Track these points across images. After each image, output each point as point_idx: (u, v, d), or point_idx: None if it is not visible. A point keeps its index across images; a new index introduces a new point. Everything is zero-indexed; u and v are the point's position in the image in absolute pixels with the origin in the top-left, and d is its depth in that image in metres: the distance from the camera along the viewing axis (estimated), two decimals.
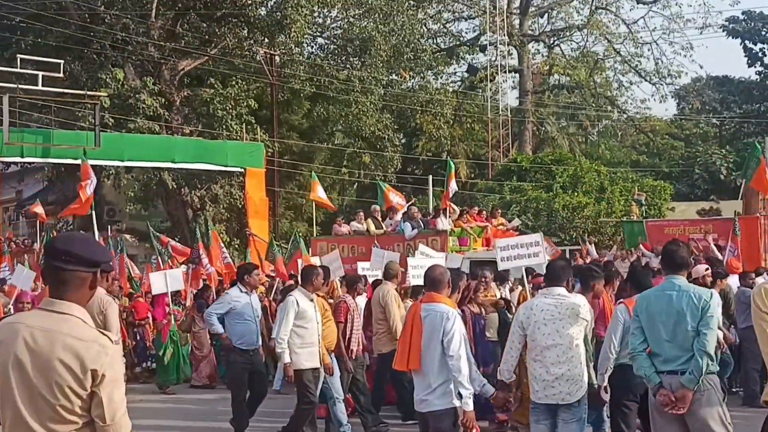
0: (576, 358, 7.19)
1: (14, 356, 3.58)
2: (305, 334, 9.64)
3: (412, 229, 19.59)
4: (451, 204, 20.56)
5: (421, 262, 12.99)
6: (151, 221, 33.18)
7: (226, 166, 28.36)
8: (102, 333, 3.71)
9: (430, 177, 32.61)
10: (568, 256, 22.06)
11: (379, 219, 20.90)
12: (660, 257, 7.17)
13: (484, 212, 22.17)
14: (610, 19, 48.63)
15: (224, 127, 30.59)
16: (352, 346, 10.74)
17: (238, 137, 29.76)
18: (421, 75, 39.71)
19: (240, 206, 30.26)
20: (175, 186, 30.92)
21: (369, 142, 36.46)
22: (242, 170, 28.29)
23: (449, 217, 19.70)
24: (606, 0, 48.38)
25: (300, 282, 10.68)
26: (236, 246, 29.75)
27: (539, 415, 7.31)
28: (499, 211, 23.10)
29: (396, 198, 22.05)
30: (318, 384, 9.98)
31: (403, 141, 39.18)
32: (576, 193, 33.88)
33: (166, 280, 15.69)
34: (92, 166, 30.00)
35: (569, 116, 49.66)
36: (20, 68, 24.44)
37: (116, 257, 18.84)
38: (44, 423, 3.56)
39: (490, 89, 43.58)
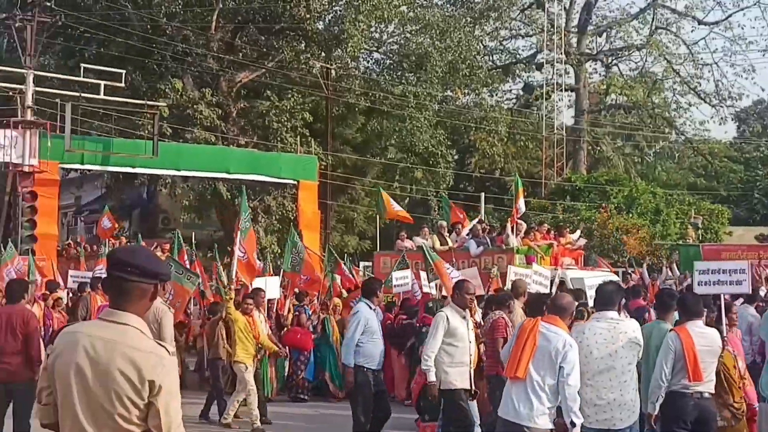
0: (629, 383, 7.13)
1: (75, 365, 3.67)
2: (455, 353, 9.05)
3: (478, 246, 19.25)
4: (519, 221, 20.31)
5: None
6: (204, 230, 33.61)
7: (280, 178, 28.64)
8: (159, 344, 3.79)
9: (482, 194, 32.55)
10: (620, 278, 21.87)
11: (445, 235, 20.62)
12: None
13: (552, 230, 21.80)
14: (670, 39, 48.22)
15: (279, 139, 30.89)
16: None
17: (293, 150, 30.00)
18: (477, 92, 39.67)
19: (292, 218, 30.48)
20: (229, 196, 31.24)
21: (422, 157, 36.50)
22: (295, 182, 28.52)
23: (517, 234, 19.50)
24: (666, 20, 47.98)
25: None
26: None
27: None
28: (567, 229, 22.70)
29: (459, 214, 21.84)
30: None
31: (456, 157, 39.10)
32: (630, 215, 33.58)
33: (266, 286, 15.16)
34: (149, 174, 30.70)
35: (625, 136, 49.23)
36: (83, 77, 25.03)
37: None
38: (101, 431, 3.64)
39: (546, 107, 43.38)
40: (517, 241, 19.05)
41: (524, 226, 20.10)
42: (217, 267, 19.66)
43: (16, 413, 9.98)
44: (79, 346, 3.71)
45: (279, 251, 29.06)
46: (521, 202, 20.01)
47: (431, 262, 14.82)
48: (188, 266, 18.23)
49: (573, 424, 6.66)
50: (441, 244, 20.10)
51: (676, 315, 8.36)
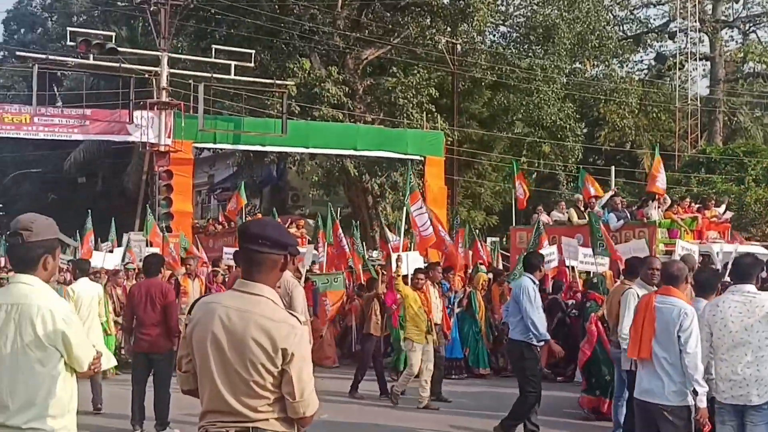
0: (766, 358, 6.89)
1: (212, 334, 3.84)
2: None
3: (618, 220, 18.84)
4: (665, 194, 19.63)
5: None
6: (332, 207, 34.05)
7: (406, 154, 28.73)
8: (291, 314, 3.90)
9: (612, 168, 31.84)
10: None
11: (582, 209, 20.30)
12: None
13: (693, 203, 20.96)
14: None
15: (405, 115, 30.95)
16: None
17: (419, 126, 30.05)
18: (606, 63, 38.78)
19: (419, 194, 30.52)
20: (356, 173, 31.56)
21: (549, 131, 35.97)
22: (422, 158, 28.57)
23: (659, 208, 18.81)
24: None
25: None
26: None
27: (725, 416, 7.05)
28: (713, 202, 21.60)
29: (592, 188, 21.37)
30: None
31: (584, 131, 38.31)
32: None
33: (407, 261, 14.29)
34: (278, 152, 31.31)
35: (764, 106, 47.17)
36: (214, 58, 25.68)
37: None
38: (238, 397, 3.80)
39: (679, 78, 42.04)
40: (659, 215, 18.50)
41: (668, 199, 19.46)
42: (355, 243, 19.93)
43: (157, 382, 10.44)
44: (215, 316, 3.86)
45: (406, 227, 29.21)
46: (661, 178, 19.26)
47: (598, 236, 14.43)
48: (341, 241, 18.53)
49: (696, 393, 6.54)
50: (579, 218, 19.76)
51: None
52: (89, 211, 24.91)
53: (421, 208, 16.96)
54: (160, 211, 24.28)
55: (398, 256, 13.93)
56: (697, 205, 20.28)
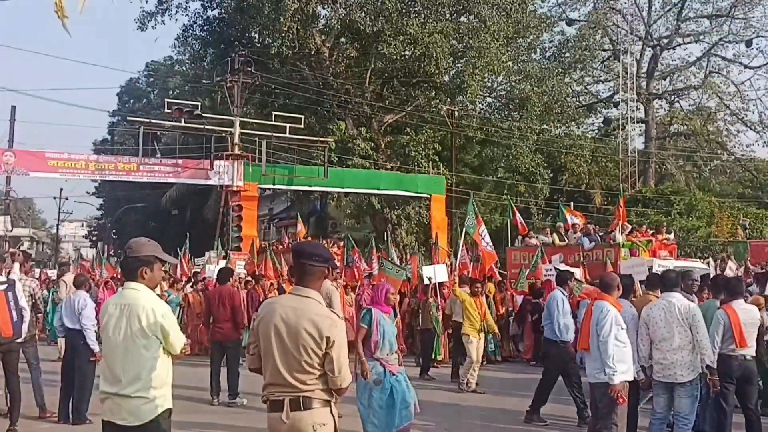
0: (686, 347, 6.85)
1: (274, 326, 3.88)
2: None
3: (590, 242, 18.85)
4: (625, 222, 19.49)
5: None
6: (362, 233, 34.07)
7: (417, 193, 28.79)
8: (332, 311, 3.94)
9: (572, 204, 31.66)
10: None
11: (563, 234, 20.51)
12: None
13: (648, 229, 21.04)
14: (721, 80, 45.70)
15: (416, 164, 31.00)
16: None
17: (426, 171, 30.11)
18: (566, 125, 38.76)
19: (426, 223, 30.55)
20: (379, 207, 31.59)
21: (524, 176, 35.93)
22: (428, 196, 28.59)
23: (622, 232, 18.80)
24: (718, 66, 45.55)
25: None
26: (423, 252, 30.05)
27: (659, 391, 7.14)
28: (664, 227, 21.60)
29: (572, 218, 21.28)
30: None
31: (550, 175, 38.19)
32: (690, 218, 32.08)
33: (434, 272, 13.88)
34: (321, 191, 31.42)
35: (686, 158, 46.94)
36: (274, 121, 25.85)
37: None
38: (292, 373, 3.83)
39: (621, 136, 41.90)
40: (623, 238, 18.47)
41: (629, 226, 19.45)
42: (416, 259, 19.90)
43: (228, 363, 10.47)
44: (276, 313, 3.90)
45: (417, 247, 29.22)
46: (622, 210, 19.30)
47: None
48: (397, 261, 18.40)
49: (605, 373, 6.51)
50: (560, 240, 19.85)
51: None
52: (188, 234, 25.11)
53: (484, 230, 16.71)
54: (232, 235, 24.37)
55: (457, 266, 13.97)
56: (651, 231, 20.35)
